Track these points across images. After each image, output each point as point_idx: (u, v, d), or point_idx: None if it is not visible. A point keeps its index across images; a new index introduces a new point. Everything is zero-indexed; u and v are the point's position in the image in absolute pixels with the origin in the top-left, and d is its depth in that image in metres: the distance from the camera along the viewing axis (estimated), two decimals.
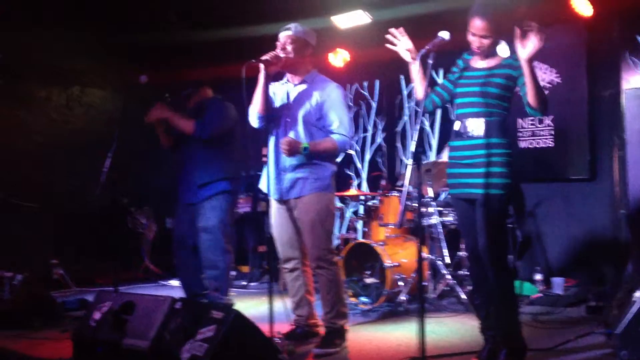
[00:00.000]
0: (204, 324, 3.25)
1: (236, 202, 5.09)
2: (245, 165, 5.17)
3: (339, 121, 4.12)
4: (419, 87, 3.73)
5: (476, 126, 3.49)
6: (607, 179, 6.07)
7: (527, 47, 3.27)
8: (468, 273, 5.51)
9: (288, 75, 4.31)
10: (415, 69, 3.72)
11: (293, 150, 4.01)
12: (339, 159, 4.38)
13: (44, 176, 7.16)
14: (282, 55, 4.10)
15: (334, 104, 4.14)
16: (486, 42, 3.47)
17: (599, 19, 5.98)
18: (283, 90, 4.30)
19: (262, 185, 4.31)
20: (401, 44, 3.68)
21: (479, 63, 3.60)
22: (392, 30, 3.68)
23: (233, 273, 7.50)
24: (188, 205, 4.95)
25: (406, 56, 3.69)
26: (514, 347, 3.48)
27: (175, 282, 6.90)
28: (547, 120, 6.38)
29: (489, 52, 3.54)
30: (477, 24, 3.44)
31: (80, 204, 7.08)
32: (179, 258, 5.01)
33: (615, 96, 5.91)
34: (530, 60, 3.30)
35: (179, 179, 5.06)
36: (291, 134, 4.12)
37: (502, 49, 3.56)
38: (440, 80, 7.04)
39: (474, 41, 3.50)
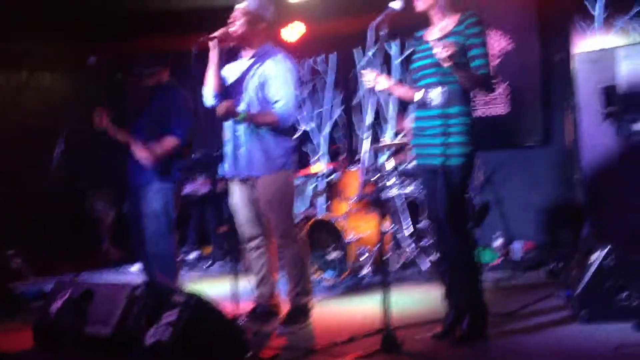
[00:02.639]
0: (167, 308, 3.23)
1: (181, 187, 4.95)
2: (200, 146, 5.06)
3: (279, 95, 3.99)
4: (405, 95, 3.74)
5: (435, 96, 3.50)
6: (561, 143, 6.17)
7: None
8: (430, 243, 5.58)
9: (242, 51, 4.23)
10: (397, 89, 3.76)
11: (228, 113, 3.90)
12: (295, 135, 4.31)
13: None
14: (232, 30, 4.03)
15: (277, 77, 4.02)
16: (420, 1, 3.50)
17: None
18: (237, 67, 4.23)
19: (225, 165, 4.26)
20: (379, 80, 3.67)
21: (431, 35, 3.59)
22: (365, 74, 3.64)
23: (195, 254, 7.47)
24: (135, 188, 4.83)
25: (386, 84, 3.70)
26: (477, 313, 3.53)
27: (135, 268, 6.82)
28: (501, 88, 6.44)
29: (438, 18, 3.55)
30: None
31: (35, 191, 6.93)
32: (136, 242, 4.90)
33: (566, 60, 5.96)
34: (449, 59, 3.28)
35: (127, 160, 4.93)
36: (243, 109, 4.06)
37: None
38: (392, 52, 7.07)
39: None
